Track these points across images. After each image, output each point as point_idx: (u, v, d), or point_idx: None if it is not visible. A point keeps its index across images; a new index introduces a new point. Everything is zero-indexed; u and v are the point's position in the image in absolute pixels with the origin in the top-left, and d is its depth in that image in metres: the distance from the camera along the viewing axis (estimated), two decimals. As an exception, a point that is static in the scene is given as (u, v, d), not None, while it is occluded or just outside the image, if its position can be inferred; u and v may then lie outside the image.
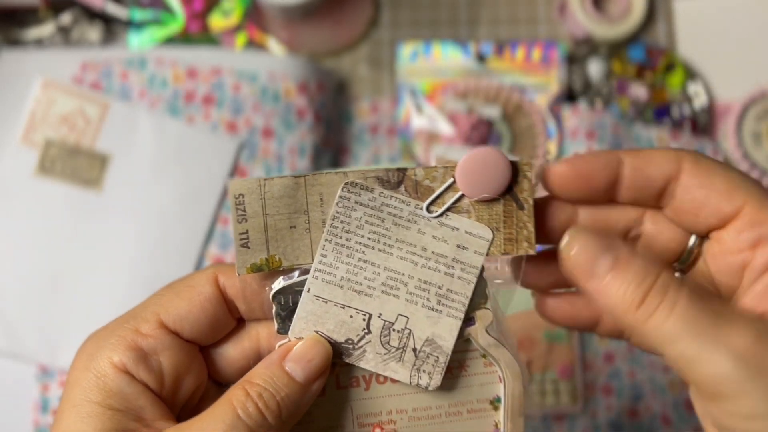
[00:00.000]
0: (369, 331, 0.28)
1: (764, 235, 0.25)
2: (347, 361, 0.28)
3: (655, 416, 0.55)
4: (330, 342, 0.28)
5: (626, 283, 0.24)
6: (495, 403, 0.30)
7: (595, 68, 0.62)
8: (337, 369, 0.29)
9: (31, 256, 0.55)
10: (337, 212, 0.28)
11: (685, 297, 0.23)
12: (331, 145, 0.60)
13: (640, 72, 0.63)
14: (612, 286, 0.24)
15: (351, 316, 0.28)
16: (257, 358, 0.29)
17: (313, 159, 0.58)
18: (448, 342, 0.28)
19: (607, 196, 0.28)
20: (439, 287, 0.29)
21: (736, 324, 0.23)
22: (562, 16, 0.65)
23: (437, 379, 0.28)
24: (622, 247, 0.25)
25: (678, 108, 0.62)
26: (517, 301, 0.31)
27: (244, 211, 0.28)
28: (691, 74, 0.63)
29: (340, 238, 0.28)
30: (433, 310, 0.29)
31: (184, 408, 0.29)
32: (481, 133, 0.60)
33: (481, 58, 0.62)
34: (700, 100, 0.63)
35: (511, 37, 0.64)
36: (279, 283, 0.28)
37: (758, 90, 0.61)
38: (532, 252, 0.29)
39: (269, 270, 0.28)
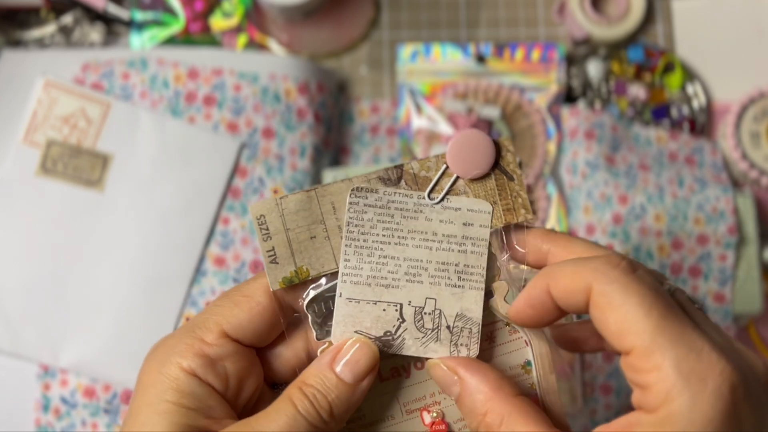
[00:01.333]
0: (403, 320, 0.30)
1: (641, 382, 0.25)
2: (390, 352, 0.30)
3: (654, 415, 0.55)
4: (371, 337, 0.30)
5: (465, 413, 0.29)
6: (526, 366, 0.32)
7: (594, 69, 0.63)
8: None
9: (32, 256, 0.55)
10: (350, 218, 0.30)
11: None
12: (332, 145, 0.61)
13: (639, 72, 0.63)
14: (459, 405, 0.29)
15: (384, 310, 0.30)
16: (309, 356, 0.31)
17: (313, 159, 0.58)
18: (476, 312, 0.30)
19: (558, 310, 0.29)
20: (456, 265, 0.31)
21: None
22: (561, 17, 0.65)
23: (475, 349, 0.30)
24: (463, 383, 0.29)
25: (677, 108, 0.63)
26: None
27: (267, 229, 0.30)
28: (689, 75, 0.63)
29: (358, 240, 0.30)
30: (455, 286, 0.31)
31: (244, 409, 0.31)
32: (481, 134, 0.60)
33: (480, 58, 0.62)
34: (698, 101, 0.63)
35: (511, 38, 0.65)
36: (310, 294, 0.30)
37: (756, 90, 0.61)
38: (530, 217, 0.31)
39: (299, 281, 0.30)
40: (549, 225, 0.59)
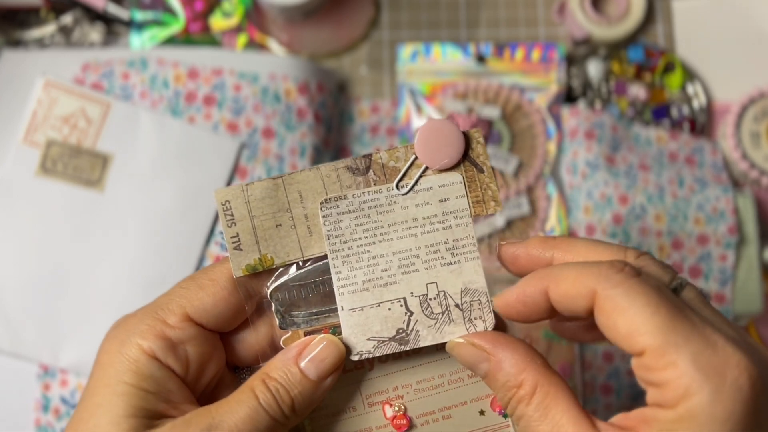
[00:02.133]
0: (411, 312, 0.30)
1: (656, 381, 0.25)
2: (408, 348, 0.30)
3: (654, 415, 0.55)
4: (385, 339, 0.30)
5: (495, 389, 0.29)
6: None
7: (594, 69, 0.63)
8: None
9: (32, 256, 0.55)
10: (329, 231, 0.30)
11: (533, 407, 0.28)
12: (332, 145, 0.61)
13: (639, 72, 0.63)
14: (488, 383, 0.29)
15: (389, 309, 0.30)
16: (272, 343, 0.31)
17: (313, 159, 0.58)
18: (480, 282, 0.30)
19: (550, 311, 0.29)
20: (446, 242, 0.30)
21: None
22: (561, 17, 0.65)
23: (490, 318, 0.30)
24: (492, 359, 0.28)
25: (677, 108, 0.63)
26: None
27: (232, 215, 0.30)
28: (689, 75, 0.63)
29: (342, 250, 0.30)
30: (451, 263, 0.30)
31: (203, 392, 0.31)
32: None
33: (480, 58, 0.62)
34: (698, 101, 0.63)
35: (511, 38, 0.65)
36: (275, 282, 0.30)
37: (756, 90, 0.61)
38: (499, 209, 0.31)
39: (263, 269, 0.30)
40: (549, 225, 0.59)
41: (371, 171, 0.30)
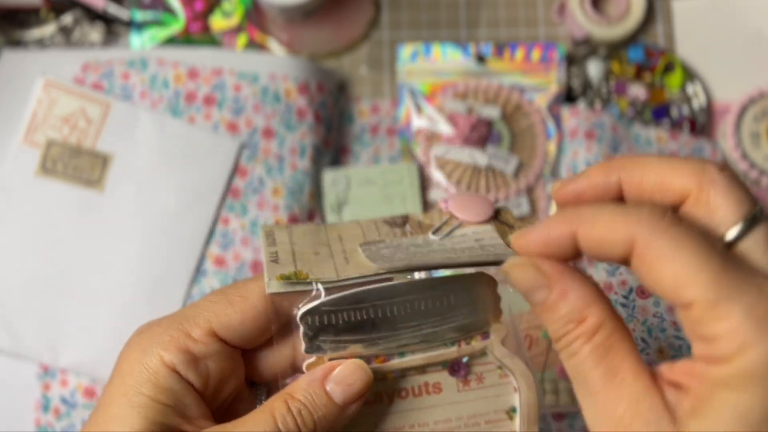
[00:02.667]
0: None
1: (706, 334, 0.23)
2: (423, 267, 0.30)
3: (654, 415, 0.55)
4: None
5: (550, 322, 0.26)
6: (511, 413, 0.31)
7: (594, 69, 0.63)
8: None
9: (32, 256, 0.55)
10: (367, 257, 0.30)
11: (587, 351, 0.25)
12: (332, 145, 0.61)
13: (639, 72, 0.63)
14: (542, 316, 0.27)
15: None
16: (293, 365, 0.31)
17: (313, 159, 0.58)
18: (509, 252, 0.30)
19: (572, 255, 0.27)
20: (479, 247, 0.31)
21: (619, 387, 0.25)
22: (561, 17, 0.65)
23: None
24: (556, 287, 0.26)
25: (677, 108, 0.63)
26: (516, 301, 0.32)
27: (274, 240, 0.30)
28: (689, 75, 0.63)
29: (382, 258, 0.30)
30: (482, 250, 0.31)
31: (219, 407, 0.30)
32: (481, 134, 0.60)
33: (480, 58, 0.62)
34: (698, 101, 0.63)
35: (511, 38, 0.65)
36: (306, 305, 0.29)
37: (756, 90, 0.61)
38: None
39: (297, 280, 0.29)
40: (549, 225, 0.59)
41: (407, 225, 0.32)
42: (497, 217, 0.32)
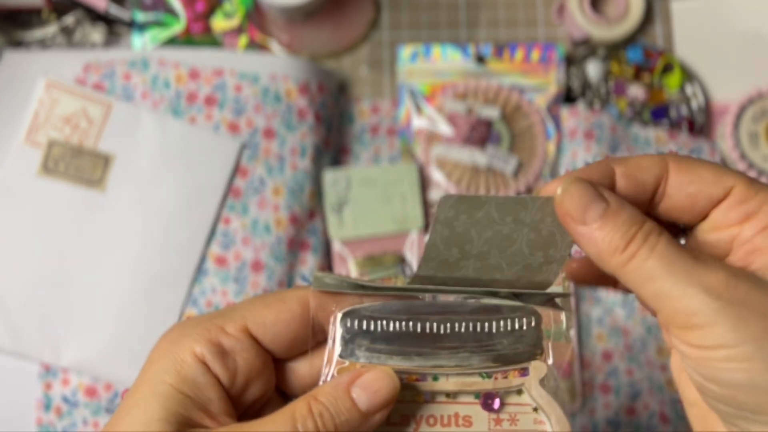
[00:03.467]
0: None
1: (752, 210, 0.27)
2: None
3: (653, 414, 0.55)
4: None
5: (613, 232, 0.26)
6: None
7: (593, 69, 0.63)
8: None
9: (34, 256, 0.55)
10: None
11: (665, 241, 0.26)
12: (332, 145, 0.61)
13: (638, 73, 0.63)
14: (600, 234, 0.26)
15: None
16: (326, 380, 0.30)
17: (313, 159, 0.58)
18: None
19: None
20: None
21: (710, 265, 0.25)
22: (560, 17, 0.65)
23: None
24: (612, 198, 0.27)
25: (675, 108, 0.63)
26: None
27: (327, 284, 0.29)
28: (688, 75, 0.64)
29: None
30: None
31: (247, 411, 0.30)
32: (481, 134, 0.61)
33: (480, 59, 0.63)
34: (697, 101, 0.63)
35: (510, 39, 0.65)
36: (348, 307, 0.29)
37: (755, 91, 0.61)
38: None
39: (346, 284, 0.29)
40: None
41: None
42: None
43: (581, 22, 0.63)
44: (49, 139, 0.56)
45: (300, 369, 0.31)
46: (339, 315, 0.29)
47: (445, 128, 0.61)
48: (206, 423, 0.27)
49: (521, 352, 0.29)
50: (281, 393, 0.32)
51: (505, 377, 0.29)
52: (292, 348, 0.30)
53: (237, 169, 0.57)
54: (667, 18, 0.66)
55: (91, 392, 0.54)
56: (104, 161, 0.56)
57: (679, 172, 0.28)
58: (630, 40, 0.65)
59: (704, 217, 0.28)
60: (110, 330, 0.54)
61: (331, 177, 0.58)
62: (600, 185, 0.27)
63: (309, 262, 0.57)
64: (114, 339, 0.54)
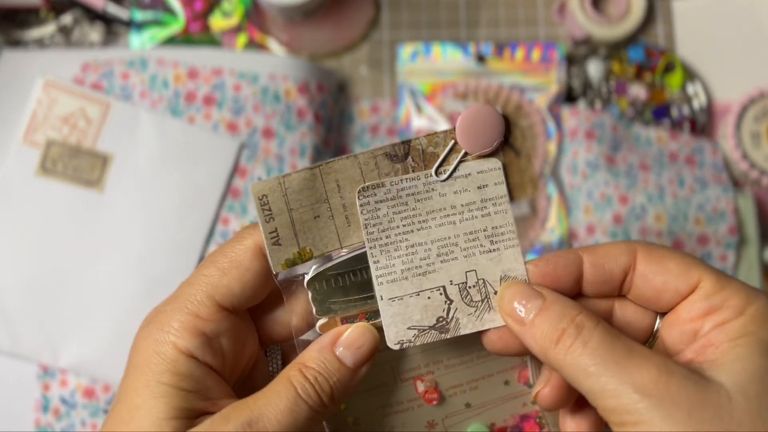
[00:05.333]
0: (451, 301, 0.30)
1: (716, 305, 0.27)
2: (449, 336, 0.30)
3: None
4: (425, 328, 0.30)
5: (547, 324, 0.27)
6: None
7: (594, 69, 0.63)
8: None
9: (32, 256, 0.55)
10: (366, 220, 0.30)
11: (599, 336, 0.26)
12: (332, 145, 0.61)
13: (640, 72, 0.63)
14: (536, 328, 0.27)
15: (429, 297, 0.30)
16: (309, 321, 0.31)
17: (313, 159, 0.58)
18: (520, 270, 0.30)
19: (575, 291, 0.30)
20: (485, 230, 0.30)
21: (642, 361, 0.26)
22: (561, 17, 0.65)
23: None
24: (548, 293, 0.28)
25: (677, 108, 0.63)
26: None
27: (270, 210, 0.29)
28: (690, 75, 0.63)
29: (380, 239, 0.30)
30: (490, 251, 0.30)
31: (239, 377, 0.31)
32: (481, 134, 0.60)
33: (480, 58, 0.62)
34: (699, 101, 0.63)
35: (511, 38, 0.65)
36: (312, 270, 0.30)
37: (757, 90, 0.61)
38: (537, 193, 0.31)
39: (302, 262, 0.30)
40: (549, 225, 0.59)
41: (410, 157, 0.30)
42: (507, 139, 0.31)
43: (582, 22, 0.63)
44: (48, 139, 0.56)
45: (280, 317, 0.31)
46: (305, 281, 0.30)
47: (445, 128, 0.60)
48: (210, 409, 0.28)
49: None
50: (264, 349, 0.33)
51: None
52: (264, 292, 0.30)
53: (236, 169, 0.57)
54: (668, 17, 0.66)
55: (89, 393, 0.54)
56: (103, 161, 0.56)
57: (647, 263, 0.29)
58: (631, 39, 0.64)
59: (672, 308, 0.29)
60: (108, 331, 0.54)
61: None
62: (537, 284, 0.29)
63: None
64: (112, 340, 0.54)
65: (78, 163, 0.56)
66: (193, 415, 0.27)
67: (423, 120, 0.61)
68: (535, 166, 0.60)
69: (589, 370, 0.26)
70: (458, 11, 0.65)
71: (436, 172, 0.30)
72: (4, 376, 0.54)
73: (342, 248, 0.30)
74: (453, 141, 0.30)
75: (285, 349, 0.33)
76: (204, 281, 0.29)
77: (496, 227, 0.30)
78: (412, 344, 0.30)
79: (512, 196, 0.31)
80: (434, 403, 0.32)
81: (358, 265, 0.30)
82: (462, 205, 0.30)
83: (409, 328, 0.30)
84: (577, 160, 0.59)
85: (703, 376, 0.25)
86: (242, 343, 0.30)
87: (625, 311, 0.31)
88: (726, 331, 0.27)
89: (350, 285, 0.30)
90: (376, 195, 0.30)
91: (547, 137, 0.61)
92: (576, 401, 0.31)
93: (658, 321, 0.30)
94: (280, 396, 0.27)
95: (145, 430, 0.27)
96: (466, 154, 0.30)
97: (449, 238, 0.30)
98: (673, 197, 0.58)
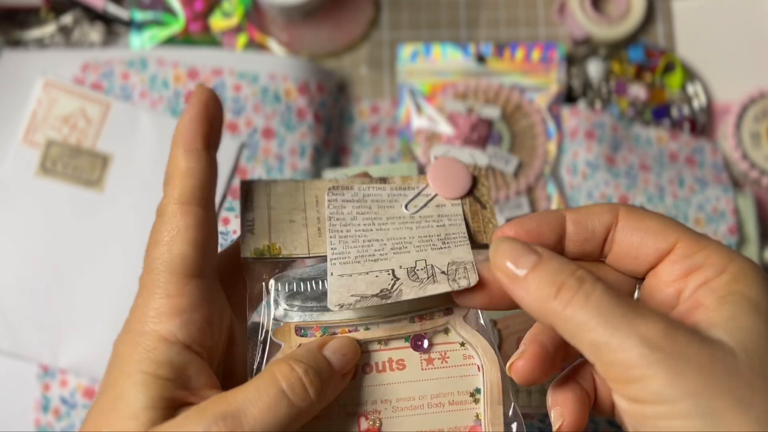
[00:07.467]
0: (397, 278, 0.30)
1: (697, 264, 0.27)
2: (390, 302, 0.29)
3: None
4: (368, 296, 0.30)
5: (545, 277, 0.26)
6: (475, 395, 0.31)
7: (594, 69, 0.63)
8: None
9: (32, 257, 0.55)
10: (331, 213, 0.32)
11: (601, 290, 0.25)
12: (332, 145, 0.61)
13: (640, 72, 0.63)
14: (532, 281, 0.26)
15: (377, 276, 0.30)
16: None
17: (313, 159, 0.58)
18: (468, 257, 0.30)
19: (558, 249, 0.29)
20: (438, 235, 0.31)
21: (648, 315, 0.25)
22: (561, 17, 0.65)
23: (474, 277, 0.30)
24: (543, 250, 0.27)
25: (677, 108, 0.63)
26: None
27: (252, 201, 0.32)
28: (690, 75, 0.63)
29: (341, 231, 0.31)
30: (442, 248, 0.31)
31: (220, 361, 0.31)
32: (481, 134, 0.60)
33: (480, 58, 0.62)
34: (699, 101, 0.63)
35: (511, 38, 0.65)
36: (277, 273, 0.31)
37: (757, 90, 0.61)
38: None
39: (270, 256, 0.31)
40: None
41: (386, 185, 0.33)
42: (473, 190, 0.33)
43: (582, 22, 0.63)
44: (47, 138, 0.56)
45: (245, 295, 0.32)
46: (269, 281, 0.31)
47: (445, 128, 0.60)
48: (191, 400, 0.27)
49: (444, 296, 0.31)
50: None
51: (431, 319, 0.31)
52: (215, 245, 0.30)
53: (236, 169, 0.57)
54: (668, 17, 0.66)
55: (89, 393, 0.54)
56: (102, 161, 0.56)
57: (627, 220, 0.29)
58: (631, 39, 0.64)
59: (651, 268, 0.29)
60: (108, 331, 0.54)
61: (330, 177, 0.58)
62: (532, 242, 0.28)
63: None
64: (112, 340, 0.54)
65: (78, 163, 0.56)
66: (173, 405, 0.27)
67: (423, 120, 0.61)
68: (535, 167, 0.60)
69: (591, 323, 0.25)
70: (458, 11, 0.65)
71: (406, 207, 0.33)
72: (4, 376, 0.54)
73: (309, 254, 0.31)
74: (425, 184, 0.33)
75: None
76: (158, 262, 0.29)
77: (449, 234, 0.32)
78: (352, 307, 0.29)
79: (476, 239, 0.32)
80: None
81: (324, 274, 0.31)
82: (420, 216, 0.32)
83: (352, 295, 0.29)
84: (577, 160, 0.59)
85: (705, 335, 0.25)
86: (219, 312, 0.30)
87: (606, 278, 0.30)
88: (712, 289, 0.26)
89: (310, 293, 0.31)
90: (344, 195, 0.32)
91: (547, 137, 0.61)
92: (565, 378, 0.30)
93: (637, 289, 0.30)
94: (261, 391, 0.27)
95: (123, 422, 0.26)
96: (435, 195, 0.33)
97: (404, 238, 0.31)
98: (673, 197, 0.58)
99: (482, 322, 0.32)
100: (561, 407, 0.29)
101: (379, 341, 0.31)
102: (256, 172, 0.57)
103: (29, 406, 0.54)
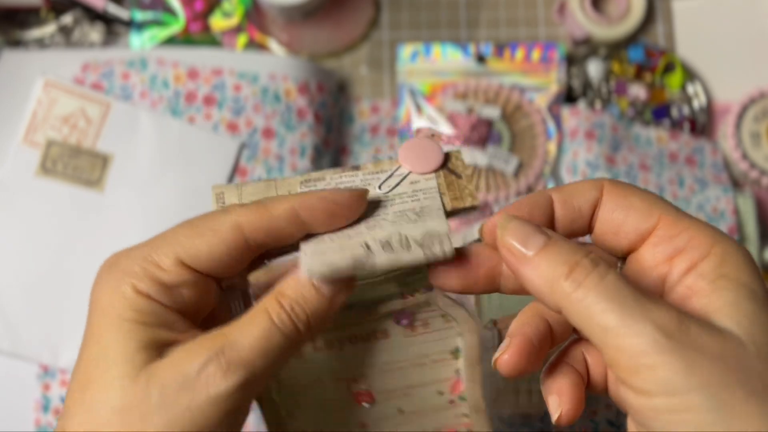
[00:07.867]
0: (370, 248, 0.30)
1: (679, 247, 0.26)
2: (366, 270, 0.29)
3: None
4: (341, 267, 0.29)
5: (557, 256, 0.26)
6: (455, 353, 0.33)
7: (594, 69, 0.63)
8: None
9: (32, 257, 0.55)
10: None
11: (615, 273, 0.25)
12: (332, 145, 0.61)
13: (640, 72, 0.63)
14: (543, 261, 0.26)
15: (352, 250, 0.30)
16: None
17: (313, 159, 0.58)
18: (443, 229, 0.30)
19: None
20: (414, 209, 0.31)
21: (660, 303, 0.24)
22: (561, 17, 0.65)
23: (448, 246, 0.29)
24: (552, 233, 0.27)
25: (677, 108, 0.63)
26: (511, 304, 0.33)
27: (224, 202, 0.32)
28: (690, 75, 0.63)
29: None
30: (417, 221, 0.30)
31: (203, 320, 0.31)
32: (481, 134, 0.60)
33: (480, 58, 0.62)
34: (699, 101, 0.63)
35: (511, 38, 0.65)
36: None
37: (757, 90, 0.61)
38: (476, 203, 0.31)
39: None
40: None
41: (359, 171, 0.33)
42: (447, 164, 0.33)
43: (582, 22, 0.63)
44: (48, 138, 0.56)
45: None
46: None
47: (445, 128, 0.60)
48: (179, 339, 0.28)
49: (425, 274, 0.31)
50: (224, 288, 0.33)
51: (413, 295, 0.32)
52: (230, 270, 0.30)
53: (236, 169, 0.57)
54: (668, 17, 0.66)
55: (89, 393, 0.54)
56: (103, 161, 0.56)
57: (612, 196, 0.28)
58: (631, 39, 0.64)
59: (632, 247, 0.28)
60: (109, 331, 0.54)
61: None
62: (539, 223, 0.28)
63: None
64: (112, 340, 0.54)
65: (78, 163, 0.56)
66: (162, 344, 0.27)
67: (423, 120, 0.61)
68: (535, 167, 0.60)
69: (603, 306, 0.24)
70: (458, 11, 0.65)
71: (380, 187, 0.32)
72: (4, 376, 0.54)
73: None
74: (398, 166, 0.33)
75: (246, 293, 0.33)
76: (174, 238, 0.29)
77: (424, 207, 0.31)
78: (325, 275, 0.29)
79: (453, 206, 0.31)
80: (367, 405, 0.33)
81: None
82: (395, 194, 0.32)
83: (325, 264, 0.29)
84: (577, 160, 0.59)
85: (715, 324, 0.24)
86: (206, 295, 0.30)
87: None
88: (702, 274, 0.25)
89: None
90: (316, 186, 0.31)
91: (547, 137, 0.61)
92: (556, 363, 0.29)
93: (619, 268, 0.29)
94: (254, 325, 0.27)
95: (117, 366, 0.26)
96: (409, 173, 0.32)
97: (378, 215, 0.31)
98: (673, 197, 0.58)
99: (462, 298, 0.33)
100: (557, 396, 0.28)
101: (368, 314, 0.32)
102: (256, 172, 0.57)
103: (29, 406, 0.54)
